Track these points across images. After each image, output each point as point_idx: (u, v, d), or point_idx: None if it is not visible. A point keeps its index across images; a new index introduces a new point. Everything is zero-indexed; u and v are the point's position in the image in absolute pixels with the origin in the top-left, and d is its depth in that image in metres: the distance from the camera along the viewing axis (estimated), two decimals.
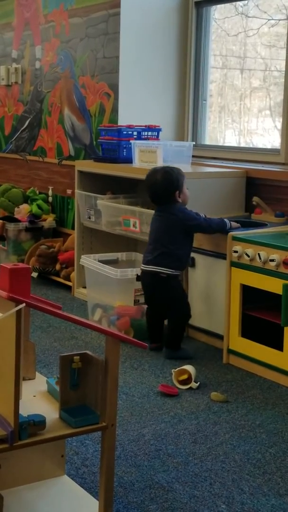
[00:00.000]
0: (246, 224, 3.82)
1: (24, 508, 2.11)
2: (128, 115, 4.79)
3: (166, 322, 3.81)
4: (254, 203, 3.99)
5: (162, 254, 3.60)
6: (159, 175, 3.64)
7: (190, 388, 3.21)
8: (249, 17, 4.70)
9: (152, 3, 4.82)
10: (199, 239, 3.75)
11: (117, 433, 2.18)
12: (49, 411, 1.98)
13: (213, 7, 4.87)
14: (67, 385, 1.97)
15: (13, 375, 1.78)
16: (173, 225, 3.60)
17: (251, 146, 4.78)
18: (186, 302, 3.70)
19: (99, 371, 1.94)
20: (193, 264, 3.84)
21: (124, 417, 2.88)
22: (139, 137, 4.50)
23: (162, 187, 3.62)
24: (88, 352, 1.99)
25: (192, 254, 3.82)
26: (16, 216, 5.56)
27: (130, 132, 4.49)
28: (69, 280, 4.94)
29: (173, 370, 3.28)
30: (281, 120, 4.30)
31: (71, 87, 5.30)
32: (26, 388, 2.10)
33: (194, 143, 4.56)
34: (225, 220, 3.67)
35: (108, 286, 3.94)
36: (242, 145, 4.84)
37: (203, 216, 3.71)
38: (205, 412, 2.97)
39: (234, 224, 3.69)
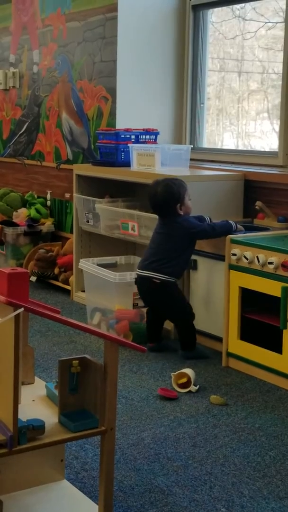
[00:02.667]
0: (250, 228, 3.83)
1: None
2: (126, 118, 4.79)
3: (166, 323, 3.82)
4: (257, 207, 3.98)
5: (158, 261, 3.61)
6: (160, 187, 3.63)
7: (190, 391, 3.20)
8: (246, 20, 4.70)
9: (149, 7, 4.83)
10: (199, 241, 3.75)
11: (116, 437, 2.18)
12: (48, 415, 1.98)
13: (210, 11, 4.88)
14: (66, 390, 1.97)
15: (12, 379, 1.78)
16: (177, 234, 3.61)
17: (249, 148, 4.78)
18: (185, 303, 3.70)
19: (98, 375, 1.94)
20: (194, 267, 3.84)
21: (123, 421, 2.88)
22: (137, 141, 4.50)
23: (163, 200, 3.62)
24: (87, 356, 1.99)
25: (194, 257, 3.82)
26: (15, 220, 5.56)
27: (128, 136, 4.48)
28: (68, 284, 4.94)
29: (172, 373, 3.28)
30: (278, 122, 4.31)
31: (68, 91, 5.30)
32: (25, 392, 2.10)
33: (192, 146, 4.56)
34: (230, 221, 3.67)
35: (107, 290, 3.94)
36: (240, 147, 4.84)
37: (208, 219, 3.73)
38: (205, 415, 2.96)
39: (239, 226, 3.69)
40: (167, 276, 3.60)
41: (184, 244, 3.63)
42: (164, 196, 3.61)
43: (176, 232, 3.61)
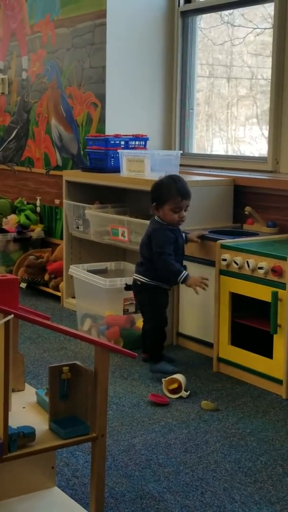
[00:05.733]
0: (238, 234, 3.83)
1: None
2: (115, 124, 4.79)
3: None
4: (246, 213, 3.99)
5: (140, 262, 3.58)
6: (158, 179, 3.53)
7: (181, 397, 3.20)
8: (234, 26, 4.72)
9: (138, 13, 4.83)
10: (189, 246, 3.75)
11: (107, 443, 2.18)
12: (39, 422, 1.98)
13: (199, 17, 4.89)
14: (57, 396, 1.96)
15: (2, 387, 1.77)
16: (149, 241, 3.50)
17: (238, 154, 4.79)
18: (160, 314, 3.55)
19: (89, 382, 1.94)
20: None
21: (114, 427, 2.87)
22: (127, 147, 4.51)
23: (150, 191, 3.53)
24: (77, 362, 1.99)
25: (184, 262, 3.81)
26: (4, 226, 5.55)
27: (118, 142, 4.49)
28: (58, 291, 4.93)
29: (163, 379, 3.27)
30: (267, 128, 4.32)
31: (58, 97, 5.30)
32: (16, 399, 2.10)
33: (181, 152, 4.56)
34: (184, 271, 3.43)
35: (97, 296, 3.94)
36: (230, 153, 4.85)
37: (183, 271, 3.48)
38: (196, 421, 2.96)
39: (193, 282, 3.41)
40: (146, 279, 3.52)
41: (151, 253, 3.49)
42: (152, 188, 3.52)
43: (149, 239, 3.50)
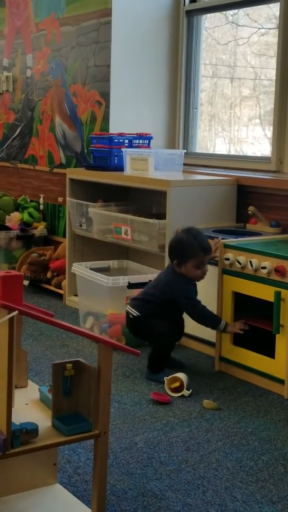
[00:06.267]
0: (241, 233, 3.83)
1: None
2: (119, 123, 4.80)
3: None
4: (250, 212, 3.99)
5: (140, 298, 3.50)
6: (177, 235, 3.44)
7: (182, 395, 3.20)
8: (239, 26, 4.72)
9: (143, 12, 4.84)
10: None
11: (109, 441, 2.18)
12: (42, 419, 1.98)
13: (204, 16, 4.89)
14: (60, 393, 1.97)
15: (6, 383, 1.78)
16: (168, 291, 3.42)
17: (241, 154, 4.79)
18: (162, 331, 3.45)
19: (92, 379, 1.94)
20: None
21: (116, 425, 2.87)
22: (130, 145, 4.51)
23: (169, 247, 3.47)
24: (80, 359, 1.99)
25: None
26: (7, 224, 5.55)
27: (121, 140, 4.49)
28: (61, 288, 4.93)
29: (165, 377, 3.27)
30: (270, 128, 4.32)
31: (62, 95, 5.31)
32: (19, 396, 2.10)
33: (185, 151, 4.57)
34: (222, 319, 3.44)
35: (99, 294, 3.94)
36: (232, 153, 4.85)
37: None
38: (198, 419, 2.96)
39: (233, 327, 3.40)
40: (139, 314, 3.46)
41: (168, 302, 3.43)
42: (171, 244, 3.46)
43: (168, 287, 3.43)
